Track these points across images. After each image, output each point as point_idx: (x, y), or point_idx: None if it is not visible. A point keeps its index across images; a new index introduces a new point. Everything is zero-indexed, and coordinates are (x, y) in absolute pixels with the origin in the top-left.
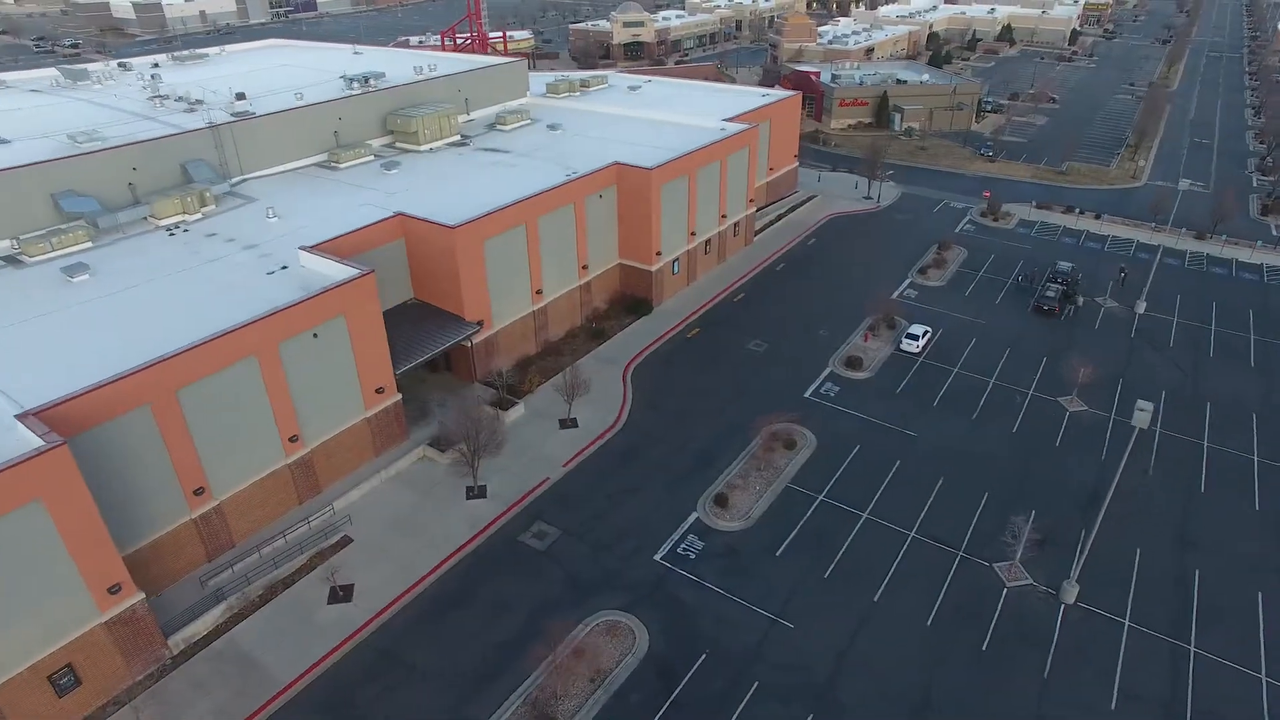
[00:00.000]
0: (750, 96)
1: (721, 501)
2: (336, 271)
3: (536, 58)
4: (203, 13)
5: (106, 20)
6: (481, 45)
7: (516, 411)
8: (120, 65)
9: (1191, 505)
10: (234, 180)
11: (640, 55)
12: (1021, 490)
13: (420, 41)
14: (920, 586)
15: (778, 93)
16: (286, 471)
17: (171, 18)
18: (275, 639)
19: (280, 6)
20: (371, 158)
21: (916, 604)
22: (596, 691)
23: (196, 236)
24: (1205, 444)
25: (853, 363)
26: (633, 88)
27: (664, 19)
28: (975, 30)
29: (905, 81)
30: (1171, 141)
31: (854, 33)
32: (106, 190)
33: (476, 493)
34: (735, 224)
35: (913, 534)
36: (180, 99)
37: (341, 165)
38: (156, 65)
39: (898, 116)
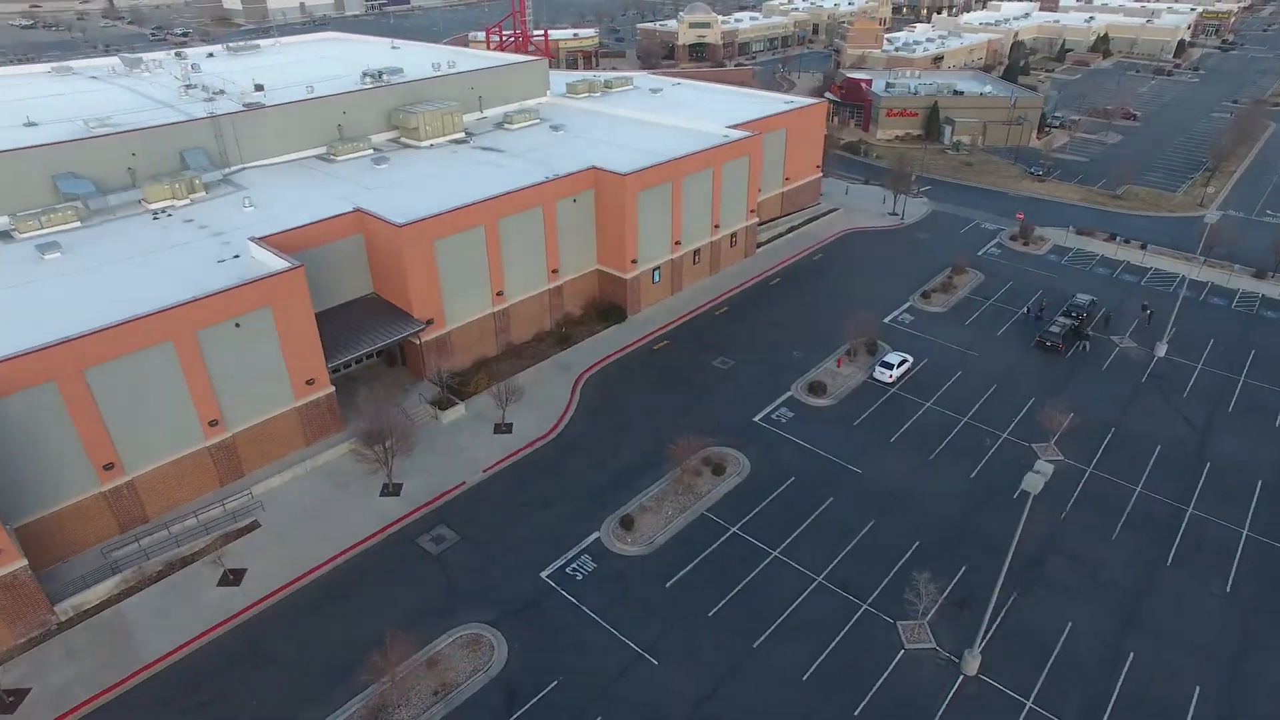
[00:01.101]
0: (773, 103)
1: (627, 524)
2: (276, 263)
3: (601, 56)
4: (302, 4)
5: (217, 11)
6: (523, 43)
7: (456, 412)
8: (176, 54)
9: (1151, 579)
10: (230, 169)
11: (704, 57)
12: (958, 542)
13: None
14: (809, 638)
15: (801, 100)
16: (206, 454)
17: (273, 9)
18: (157, 616)
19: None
20: (369, 152)
21: (798, 656)
22: (436, 705)
23: (176, 222)
24: (1189, 510)
25: (816, 388)
26: (655, 90)
27: (735, 20)
28: (1066, 40)
29: (962, 92)
30: (1261, 167)
31: (926, 40)
32: (108, 174)
33: (390, 490)
34: (732, 234)
35: (819, 579)
36: (205, 88)
37: (338, 159)
38: (211, 54)
39: (948, 129)
